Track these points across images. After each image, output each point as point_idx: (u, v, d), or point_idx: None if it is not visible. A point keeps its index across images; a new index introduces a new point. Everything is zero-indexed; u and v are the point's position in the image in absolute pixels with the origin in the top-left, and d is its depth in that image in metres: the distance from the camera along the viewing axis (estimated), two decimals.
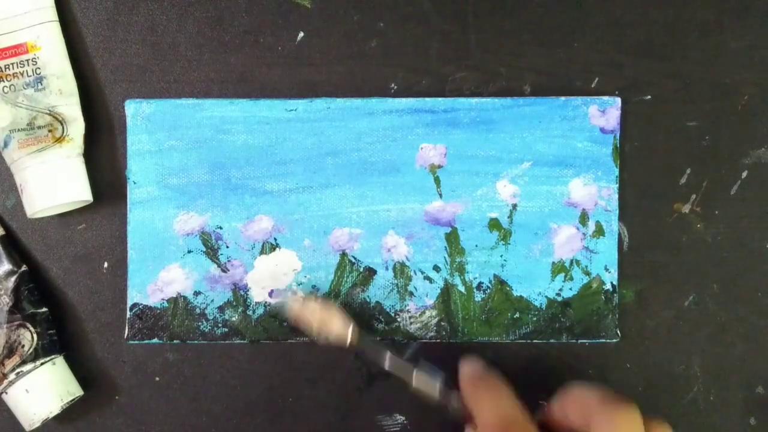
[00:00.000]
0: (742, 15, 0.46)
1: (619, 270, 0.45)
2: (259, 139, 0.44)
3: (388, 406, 0.45)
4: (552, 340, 0.45)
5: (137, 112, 0.44)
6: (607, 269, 0.45)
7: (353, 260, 0.45)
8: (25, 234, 0.45)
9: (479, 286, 0.45)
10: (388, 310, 0.45)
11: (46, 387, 0.42)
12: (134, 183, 0.44)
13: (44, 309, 0.43)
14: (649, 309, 0.46)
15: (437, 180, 0.45)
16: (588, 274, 0.45)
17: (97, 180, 0.44)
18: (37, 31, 0.43)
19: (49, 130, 0.42)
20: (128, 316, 0.44)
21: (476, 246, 0.45)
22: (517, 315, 0.45)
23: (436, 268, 0.45)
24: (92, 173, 0.44)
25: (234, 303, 0.44)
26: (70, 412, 0.44)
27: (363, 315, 0.44)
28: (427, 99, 0.45)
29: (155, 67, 0.45)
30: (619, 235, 0.45)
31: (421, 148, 0.45)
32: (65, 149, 0.42)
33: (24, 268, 0.43)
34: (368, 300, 0.45)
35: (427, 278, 0.45)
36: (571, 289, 0.45)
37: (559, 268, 0.45)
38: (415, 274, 0.45)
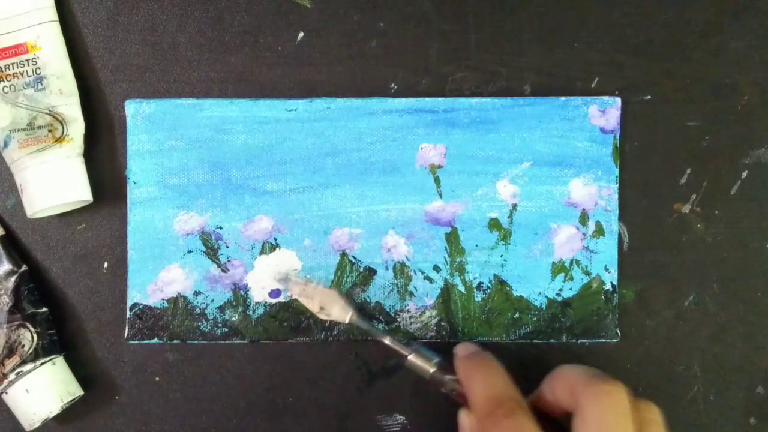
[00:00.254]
0: (742, 15, 0.46)
1: (619, 270, 0.45)
2: (259, 139, 0.44)
3: (388, 406, 0.45)
4: (552, 340, 0.45)
5: (137, 112, 0.44)
6: (607, 269, 0.45)
7: (353, 260, 0.45)
8: (25, 234, 0.45)
9: (479, 286, 0.45)
10: (388, 310, 0.45)
11: (46, 387, 0.42)
12: (134, 183, 0.44)
13: (44, 309, 0.43)
14: (649, 309, 0.46)
15: (437, 180, 0.45)
16: (588, 274, 0.45)
17: (97, 180, 0.44)
18: (37, 31, 0.43)
19: (49, 130, 0.42)
20: (128, 316, 0.44)
21: (476, 246, 0.45)
22: (517, 315, 0.45)
23: (436, 268, 0.45)
24: (92, 173, 0.44)
25: (234, 303, 0.44)
26: (70, 412, 0.44)
27: (363, 315, 0.44)
28: (427, 99, 0.45)
29: (155, 67, 0.45)
30: (619, 235, 0.45)
31: (421, 148, 0.45)
32: (65, 149, 0.42)
33: (24, 268, 0.43)
34: (368, 300, 0.45)
35: (427, 278, 0.45)
36: (571, 289, 0.45)
37: (559, 268, 0.45)
38: (415, 274, 0.45)
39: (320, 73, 0.45)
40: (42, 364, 0.42)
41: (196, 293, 0.44)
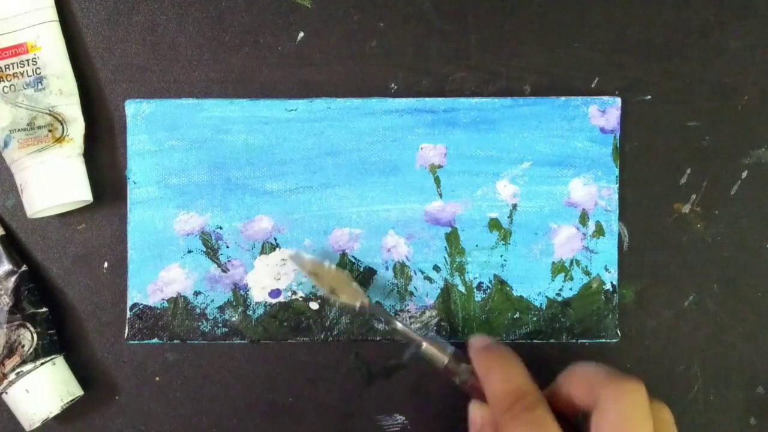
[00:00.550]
0: (742, 15, 0.46)
1: (619, 270, 0.45)
2: (259, 139, 0.44)
3: (388, 406, 0.45)
4: (552, 340, 0.45)
5: (137, 112, 0.44)
6: (607, 269, 0.45)
7: (353, 260, 0.45)
8: (25, 234, 0.45)
9: (479, 286, 0.45)
10: (388, 310, 0.45)
11: (46, 387, 0.42)
12: (134, 183, 0.44)
13: (44, 309, 0.43)
14: (649, 309, 0.46)
15: (437, 180, 0.45)
16: (588, 274, 0.45)
17: (97, 180, 0.44)
18: (37, 31, 0.43)
19: (49, 130, 0.42)
20: (128, 316, 0.44)
21: (476, 246, 0.45)
22: (517, 315, 0.45)
23: (436, 268, 0.45)
24: (92, 173, 0.44)
25: (234, 303, 0.44)
26: (70, 412, 0.44)
27: (363, 315, 0.44)
28: (427, 99, 0.45)
29: (155, 67, 0.45)
30: (619, 235, 0.45)
31: (421, 148, 0.45)
32: (65, 149, 0.42)
33: (24, 268, 0.43)
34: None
35: (427, 278, 0.45)
36: (571, 289, 0.45)
37: (559, 268, 0.45)
38: (415, 274, 0.45)
39: (320, 73, 0.45)
40: (42, 364, 0.42)
41: (196, 293, 0.44)
